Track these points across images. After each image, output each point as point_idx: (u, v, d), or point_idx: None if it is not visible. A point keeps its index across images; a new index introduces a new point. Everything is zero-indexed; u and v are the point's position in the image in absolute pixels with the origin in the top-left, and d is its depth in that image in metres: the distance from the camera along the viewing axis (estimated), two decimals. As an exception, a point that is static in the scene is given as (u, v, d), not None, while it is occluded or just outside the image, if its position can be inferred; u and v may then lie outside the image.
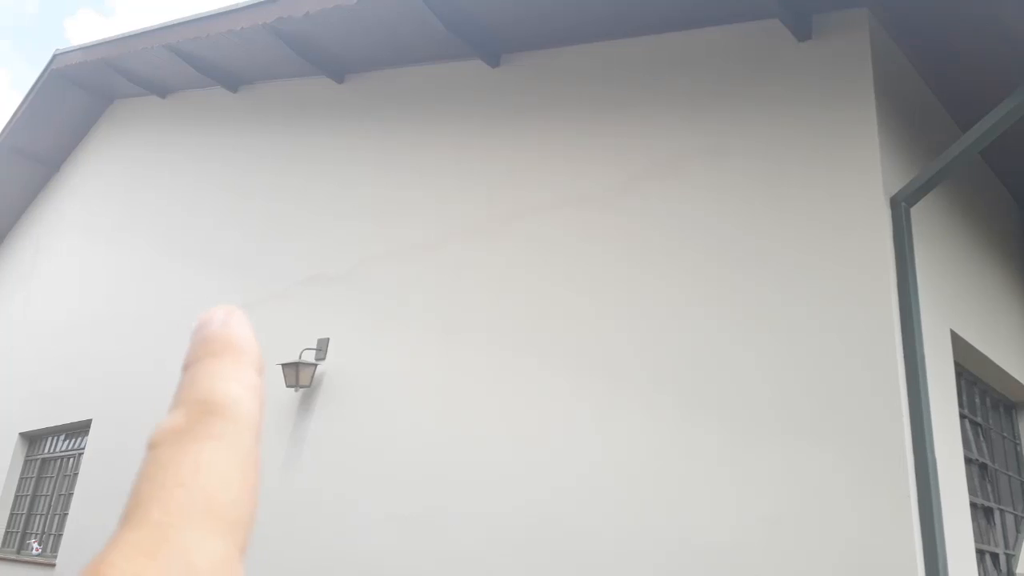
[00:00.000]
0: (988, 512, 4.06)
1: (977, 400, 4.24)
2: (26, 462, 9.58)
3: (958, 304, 3.77)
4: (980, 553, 3.85)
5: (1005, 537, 4.23)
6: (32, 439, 9.67)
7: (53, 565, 7.72)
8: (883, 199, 3.27)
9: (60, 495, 8.61)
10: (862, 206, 3.29)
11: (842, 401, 3.11)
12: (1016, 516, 4.41)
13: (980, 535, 3.90)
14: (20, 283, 11.56)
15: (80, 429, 8.60)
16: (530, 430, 4.19)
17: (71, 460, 8.67)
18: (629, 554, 3.56)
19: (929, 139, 3.90)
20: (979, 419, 4.18)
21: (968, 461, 3.92)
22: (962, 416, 3.91)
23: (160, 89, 9.06)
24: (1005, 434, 4.58)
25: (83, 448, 8.32)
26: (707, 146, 3.98)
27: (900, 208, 3.25)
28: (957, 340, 3.67)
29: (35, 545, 8.60)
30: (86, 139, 11.20)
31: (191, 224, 8.01)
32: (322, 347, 5.83)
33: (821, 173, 3.49)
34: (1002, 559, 4.10)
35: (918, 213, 3.50)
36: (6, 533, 9.27)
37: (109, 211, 9.85)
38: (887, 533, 2.85)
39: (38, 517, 8.88)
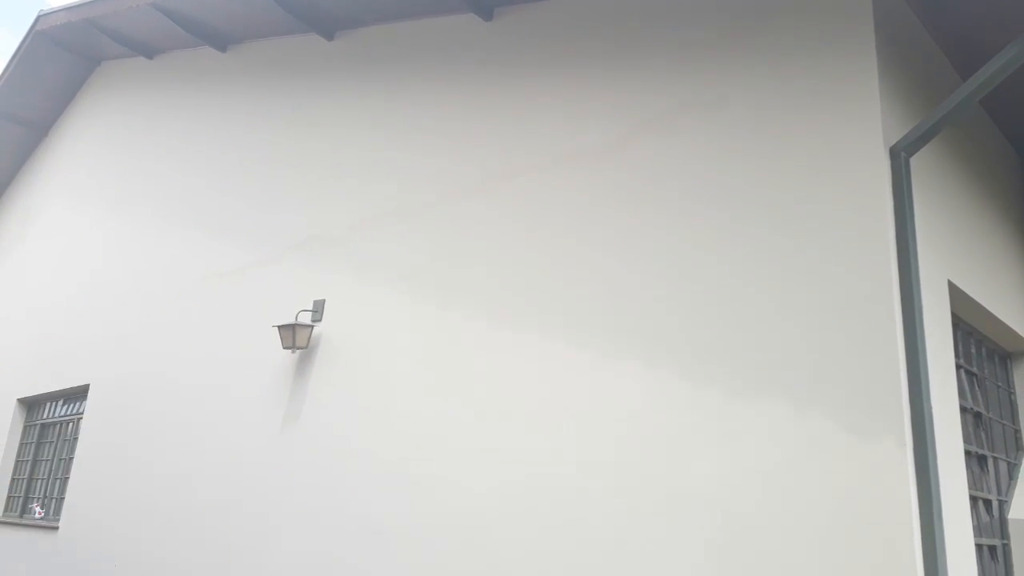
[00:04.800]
0: (982, 460, 4.11)
1: (973, 350, 4.26)
2: (25, 427, 9.62)
3: (957, 254, 3.77)
4: (974, 499, 3.90)
5: (998, 484, 4.29)
6: (31, 405, 9.69)
7: (56, 528, 7.79)
8: (883, 149, 3.24)
9: (60, 459, 8.66)
10: (862, 156, 3.26)
11: (840, 352, 3.12)
12: (1009, 463, 4.47)
13: (974, 482, 3.95)
14: (12, 249, 11.49)
15: (78, 394, 8.62)
16: (527, 387, 4.21)
17: (70, 425, 8.71)
18: (627, 507, 3.59)
19: (930, 88, 3.86)
20: (975, 369, 4.21)
21: (963, 410, 3.95)
22: (958, 366, 3.93)
23: (147, 50, 8.91)
24: (1000, 384, 4.62)
25: (82, 412, 8.35)
26: (704, 98, 3.93)
27: (900, 158, 3.23)
28: (955, 291, 3.67)
29: (37, 509, 8.67)
30: (74, 102, 11.04)
31: (184, 186, 7.93)
32: (318, 309, 5.82)
33: (821, 123, 3.45)
34: (995, 505, 4.16)
35: (918, 163, 3.47)
36: (8, 498, 9.34)
37: (100, 175, 9.75)
38: (883, 481, 2.88)
39: (39, 482, 8.94)
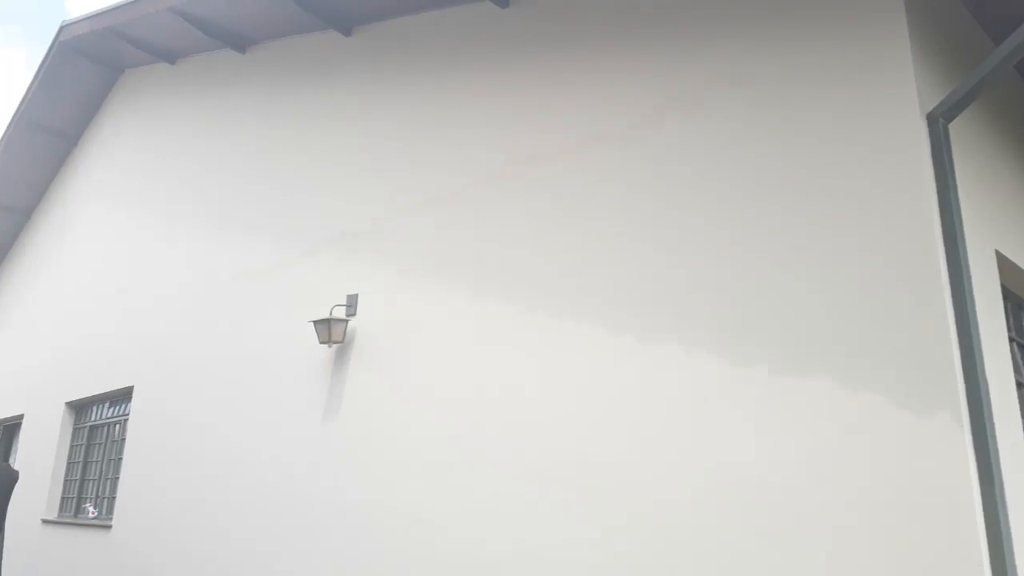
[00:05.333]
0: (1037, 432, 3.99)
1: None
2: (75, 430, 9.84)
3: (1002, 223, 3.64)
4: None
5: (1054, 455, 4.16)
6: (78, 408, 9.91)
7: (109, 527, 7.98)
8: (920, 116, 3.13)
9: (110, 460, 8.85)
10: (898, 125, 3.16)
11: (887, 326, 3.03)
12: (1065, 434, 4.33)
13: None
14: (52, 255, 11.71)
15: (123, 396, 8.79)
16: (565, 373, 4.18)
17: (117, 426, 8.89)
18: (671, 490, 3.56)
19: (963, 54, 3.72)
20: (1024, 339, 4.08)
21: (1019, 386, 3.84)
22: (1010, 339, 3.82)
23: (168, 55, 8.96)
24: (1051, 353, 4.47)
25: (127, 414, 8.51)
26: (730, 74, 3.84)
27: (938, 124, 3.12)
28: (1002, 260, 3.55)
29: (91, 509, 8.89)
30: (101, 110, 11.17)
31: (214, 187, 8.00)
32: (352, 303, 5.84)
33: (852, 94, 3.35)
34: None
35: (956, 130, 3.35)
36: (63, 499, 9.58)
37: (131, 179, 9.87)
38: (940, 457, 2.81)
39: (91, 482, 9.15)
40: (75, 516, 9.15)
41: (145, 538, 7.35)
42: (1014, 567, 2.67)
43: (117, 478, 8.39)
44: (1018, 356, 3.89)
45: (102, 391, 9.02)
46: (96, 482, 9.03)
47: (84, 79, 10.47)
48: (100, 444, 9.21)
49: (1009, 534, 2.71)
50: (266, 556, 5.83)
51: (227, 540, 6.29)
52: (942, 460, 2.80)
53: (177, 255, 8.31)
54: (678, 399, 3.65)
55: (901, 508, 2.87)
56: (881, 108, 3.25)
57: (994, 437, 2.79)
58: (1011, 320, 3.87)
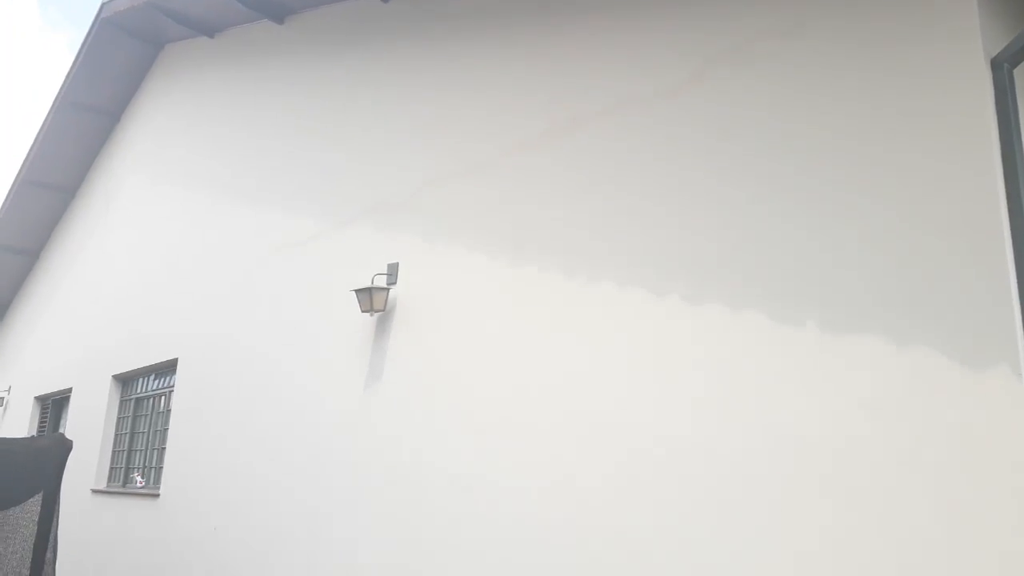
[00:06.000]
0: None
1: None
2: (121, 402, 10.07)
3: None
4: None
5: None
6: (124, 381, 10.13)
7: (157, 495, 8.17)
8: (983, 61, 3.02)
9: (156, 431, 9.05)
10: (961, 70, 3.04)
11: (944, 277, 2.95)
12: None
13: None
14: (97, 230, 11.95)
15: (167, 368, 8.96)
16: (606, 337, 4.14)
17: (163, 398, 9.07)
18: (723, 449, 3.52)
19: (1029, -4, 3.57)
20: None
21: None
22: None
23: (208, 29, 9.03)
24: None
25: (172, 385, 8.67)
26: (780, 27, 3.74)
27: (1003, 69, 3.00)
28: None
29: (138, 478, 9.11)
30: (142, 87, 11.32)
31: (253, 159, 8.07)
32: (392, 272, 5.86)
33: (912, 41, 3.23)
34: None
35: (1021, 75, 3.23)
36: (111, 469, 9.83)
37: (172, 153, 10.01)
38: (999, 412, 2.73)
39: (138, 452, 9.37)
40: (123, 486, 9.38)
41: (192, 506, 7.51)
42: (1080, 521, 2.60)
43: (163, 448, 8.57)
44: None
45: (147, 364, 9.20)
46: (143, 452, 9.24)
47: (125, 56, 10.61)
48: (146, 415, 9.41)
49: (1075, 487, 2.63)
50: (314, 519, 5.92)
51: (272, 508, 6.39)
52: (999, 414, 2.72)
53: (219, 227, 8.41)
54: (728, 359, 3.59)
55: (960, 461, 2.79)
56: (942, 53, 3.14)
57: (1059, 389, 2.70)
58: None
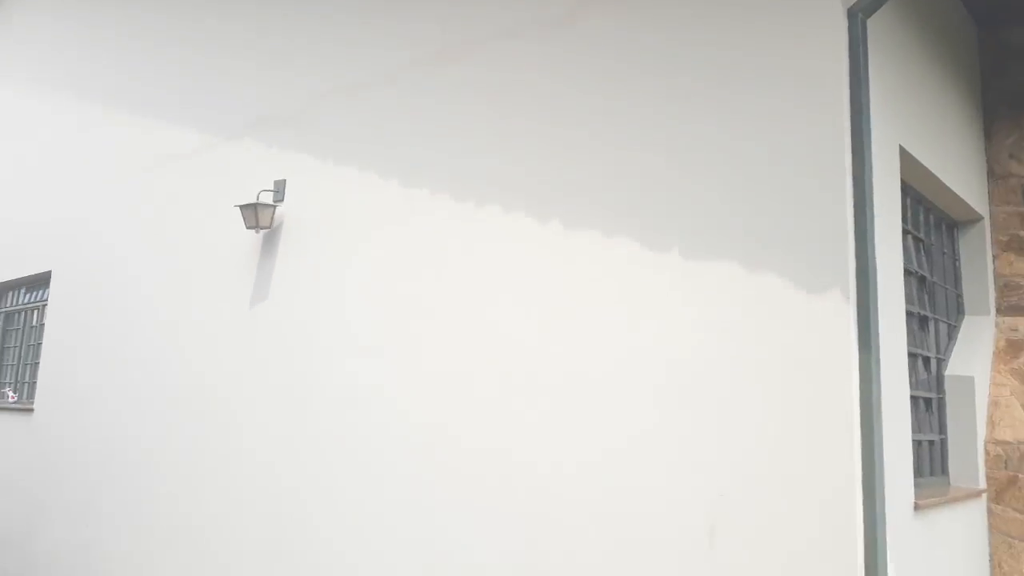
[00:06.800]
0: (924, 320, 4.32)
1: (921, 217, 4.40)
2: (-10, 316, 9.58)
3: (909, 121, 3.83)
4: (913, 356, 4.13)
5: (938, 343, 4.53)
6: (-7, 294, 9.62)
7: (32, 410, 7.91)
8: (841, 10, 3.23)
9: (28, 346, 8.69)
10: (818, 18, 3.24)
11: (793, 212, 3.21)
12: (949, 325, 4.71)
13: (915, 340, 4.17)
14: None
15: (40, 281, 8.56)
16: (490, 256, 4.27)
17: (35, 312, 8.68)
18: (585, 368, 3.75)
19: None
20: (921, 235, 4.36)
21: (908, 273, 4.12)
22: (905, 231, 4.07)
23: (81, -85, 8.34)
24: (946, 251, 4.79)
25: (46, 300, 8.31)
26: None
27: (857, 19, 3.22)
28: (905, 156, 3.75)
29: (10, 394, 8.77)
30: (7, -23, 10.38)
31: (131, 69, 7.64)
32: (279, 188, 5.77)
33: (781, -15, 3.40)
34: (933, 363, 4.41)
35: (874, 25, 3.46)
36: (-20, 385, 9.40)
37: (47, 60, 9.32)
38: (828, 332, 3.04)
39: (9, 367, 8.99)
40: (-6, 401, 9.02)
41: (69, 421, 7.33)
42: (880, 419, 2.99)
43: (37, 364, 8.26)
44: (911, 248, 4.17)
45: (17, 276, 8.76)
46: (15, 367, 8.87)
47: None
48: (17, 329, 9.01)
49: (880, 398, 3.01)
50: (195, 438, 5.91)
51: (153, 425, 6.33)
52: (829, 333, 3.03)
53: (94, 138, 7.97)
54: (600, 279, 3.79)
55: (793, 374, 3.11)
56: (806, 3, 3.32)
57: (876, 313, 3.03)
58: (908, 214, 4.13)
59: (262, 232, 5.80)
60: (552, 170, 4.08)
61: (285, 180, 5.73)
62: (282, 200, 5.71)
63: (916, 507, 3.48)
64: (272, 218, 5.70)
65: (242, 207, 5.67)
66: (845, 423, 2.97)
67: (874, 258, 3.08)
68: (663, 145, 3.66)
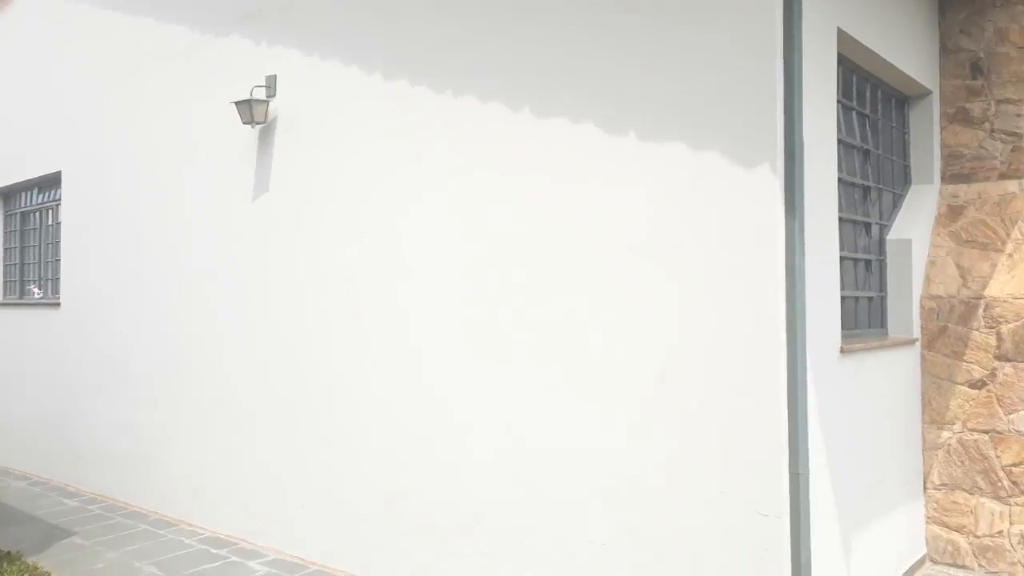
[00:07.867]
0: (867, 190, 4.72)
1: (868, 94, 4.71)
2: (7, 217, 10.02)
3: (849, 3, 4.09)
4: (856, 223, 4.57)
5: (881, 211, 4.95)
6: (6, 195, 10.02)
7: (58, 304, 8.48)
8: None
9: (47, 244, 9.16)
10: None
11: (727, 92, 3.55)
12: (895, 194, 5.11)
13: (857, 209, 4.59)
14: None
15: (51, 181, 8.94)
16: (469, 143, 4.64)
17: (49, 211, 9.11)
18: (550, 238, 4.19)
19: None
20: (867, 111, 4.69)
21: (851, 147, 4.49)
22: (848, 108, 4.42)
23: None
24: (895, 124, 5.13)
25: (58, 199, 8.72)
26: None
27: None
28: (844, 36, 4.04)
29: (35, 290, 9.32)
30: None
31: (118, -36, 7.72)
32: (271, 84, 6.06)
33: None
34: (875, 228, 4.84)
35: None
36: (5, 283, 9.96)
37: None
38: (758, 199, 3.46)
39: (31, 266, 9.51)
40: (20, 297, 9.59)
41: (94, 313, 7.90)
42: (803, 275, 3.45)
43: (58, 260, 8.76)
44: (855, 123, 4.53)
45: (29, 177, 9.13)
46: (37, 265, 9.38)
47: None
48: (34, 229, 9.46)
49: (803, 256, 3.46)
50: (213, 322, 6.47)
51: (172, 312, 6.87)
52: (761, 200, 3.46)
53: (94, 36, 8.15)
54: (560, 159, 4.18)
55: (730, 238, 3.56)
56: None
57: (801, 182, 3.44)
58: (853, 91, 4.46)
59: (258, 127, 6.13)
60: (525, 63, 4.39)
61: (276, 75, 6.01)
62: (274, 95, 6.02)
63: (842, 351, 4.00)
64: (266, 113, 6.02)
65: (237, 103, 5.98)
66: (772, 278, 3.44)
67: (801, 133, 3.46)
68: (612, 34, 3.95)
